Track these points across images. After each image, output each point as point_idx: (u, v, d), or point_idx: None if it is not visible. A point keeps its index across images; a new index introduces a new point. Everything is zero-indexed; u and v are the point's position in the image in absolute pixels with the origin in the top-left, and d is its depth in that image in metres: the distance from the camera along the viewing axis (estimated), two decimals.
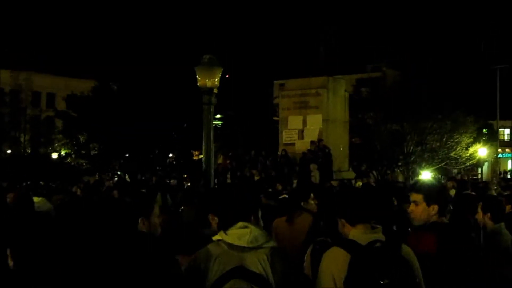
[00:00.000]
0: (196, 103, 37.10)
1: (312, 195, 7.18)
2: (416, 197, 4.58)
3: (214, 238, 3.89)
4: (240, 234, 3.83)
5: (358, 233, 3.83)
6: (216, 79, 10.88)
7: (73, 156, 39.65)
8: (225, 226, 3.90)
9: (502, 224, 5.87)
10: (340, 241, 3.93)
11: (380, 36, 74.48)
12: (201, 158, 41.61)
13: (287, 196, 8.27)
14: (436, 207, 4.50)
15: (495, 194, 12.63)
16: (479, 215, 5.96)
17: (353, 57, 61.49)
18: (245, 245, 3.79)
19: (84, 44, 64.87)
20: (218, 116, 51.64)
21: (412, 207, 4.59)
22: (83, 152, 39.17)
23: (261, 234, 3.88)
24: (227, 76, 56.74)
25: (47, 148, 46.62)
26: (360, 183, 19.24)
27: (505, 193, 12.70)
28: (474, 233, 5.71)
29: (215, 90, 10.97)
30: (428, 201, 4.51)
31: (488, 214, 5.84)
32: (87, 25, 68.87)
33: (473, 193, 12.86)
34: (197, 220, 7.33)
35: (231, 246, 3.81)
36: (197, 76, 10.83)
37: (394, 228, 6.36)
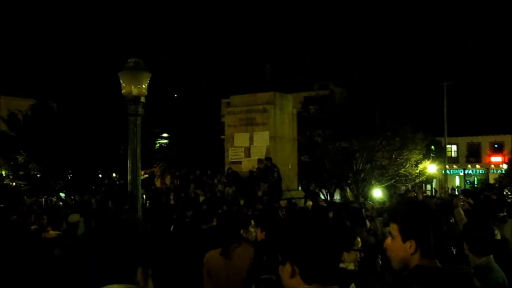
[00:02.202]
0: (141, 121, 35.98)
1: (252, 222, 5.89)
2: (392, 227, 3.30)
3: None
4: None
5: None
6: (144, 86, 9.40)
7: (10, 177, 37.84)
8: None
9: (491, 257, 4.49)
10: None
11: (327, 54, 74.46)
12: (146, 177, 40.50)
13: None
14: (413, 244, 3.17)
15: (461, 211, 11.60)
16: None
17: (300, 75, 61.28)
18: None
19: (22, 60, 62.79)
20: (165, 135, 50.69)
21: (388, 241, 3.32)
22: (21, 173, 37.41)
23: None
24: (175, 96, 56.01)
25: None
26: (311, 203, 18.34)
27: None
28: None
29: (143, 99, 9.52)
30: (404, 235, 3.21)
31: (465, 245, 4.59)
32: (22, 40, 66.81)
33: None
34: None
35: None
36: (121, 83, 9.57)
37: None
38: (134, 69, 9.39)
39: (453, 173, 69.32)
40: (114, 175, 40.46)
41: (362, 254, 5.31)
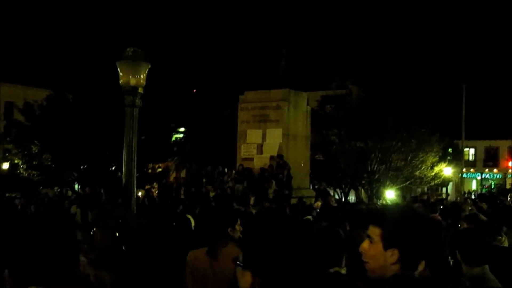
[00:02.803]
0: (152, 115, 35.88)
1: (239, 220, 5.55)
2: (372, 231, 2.92)
3: None
4: None
5: None
6: (142, 76, 9.20)
7: (23, 167, 37.90)
8: None
9: (486, 267, 4.09)
10: None
11: (346, 52, 74.00)
12: (159, 171, 40.31)
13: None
14: (396, 253, 2.81)
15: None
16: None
17: (318, 73, 60.86)
18: None
19: (40, 50, 63.00)
20: (182, 129, 50.52)
21: (364, 244, 2.93)
22: (35, 163, 37.44)
23: None
24: (194, 90, 55.72)
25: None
26: (319, 204, 18.03)
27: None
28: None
29: (140, 90, 9.23)
30: (386, 241, 2.84)
31: (457, 254, 4.19)
32: (40, 30, 66.84)
33: (439, 217, 11.63)
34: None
35: None
36: (119, 72, 9.34)
37: None
38: (132, 59, 9.15)
39: (470, 177, 68.61)
40: None
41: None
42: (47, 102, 37.75)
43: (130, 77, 9.03)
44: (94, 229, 7.15)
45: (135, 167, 9.48)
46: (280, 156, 23.82)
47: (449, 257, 4.63)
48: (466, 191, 59.41)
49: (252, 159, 24.99)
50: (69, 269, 2.51)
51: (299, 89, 26.91)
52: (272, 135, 24.71)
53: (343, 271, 4.96)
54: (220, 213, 5.87)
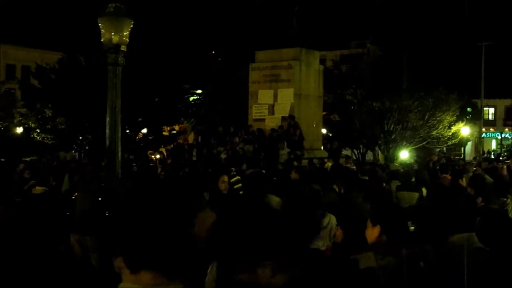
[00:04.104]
0: (169, 76, 35.36)
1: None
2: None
3: None
4: None
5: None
6: (125, 34, 8.74)
7: (37, 130, 37.80)
8: None
9: (471, 234, 3.73)
10: None
11: (365, 11, 72.80)
12: (173, 133, 40.06)
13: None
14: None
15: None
16: None
17: (338, 32, 59.99)
18: None
19: (55, 13, 62.69)
20: (199, 91, 50.20)
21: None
22: (48, 126, 37.30)
23: None
24: (213, 52, 55.23)
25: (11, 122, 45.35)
26: (330, 164, 17.69)
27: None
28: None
29: (123, 48, 8.87)
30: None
31: None
32: None
33: (449, 177, 11.27)
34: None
35: None
36: (101, 29, 8.90)
37: None
38: (114, 15, 8.72)
39: (489, 136, 67.78)
40: (144, 130, 40.19)
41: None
42: (60, 65, 37.48)
43: (113, 34, 8.63)
44: (76, 193, 6.89)
45: (119, 128, 9.11)
46: (291, 116, 23.42)
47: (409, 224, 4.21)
48: (486, 150, 58.75)
49: (263, 120, 24.64)
50: None
51: (316, 48, 26.39)
52: (284, 95, 24.27)
53: (323, 247, 4.63)
54: (197, 177, 5.55)
